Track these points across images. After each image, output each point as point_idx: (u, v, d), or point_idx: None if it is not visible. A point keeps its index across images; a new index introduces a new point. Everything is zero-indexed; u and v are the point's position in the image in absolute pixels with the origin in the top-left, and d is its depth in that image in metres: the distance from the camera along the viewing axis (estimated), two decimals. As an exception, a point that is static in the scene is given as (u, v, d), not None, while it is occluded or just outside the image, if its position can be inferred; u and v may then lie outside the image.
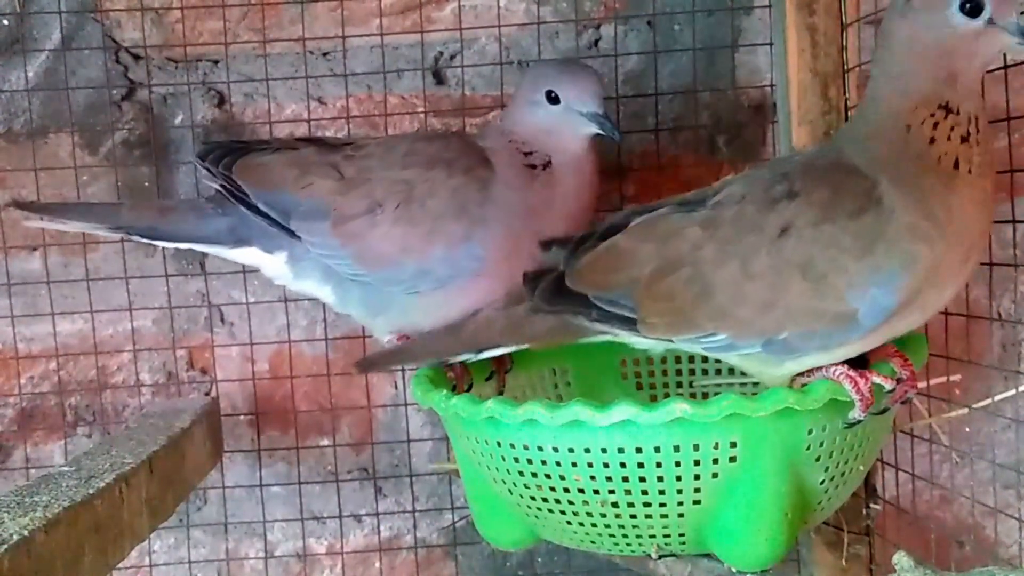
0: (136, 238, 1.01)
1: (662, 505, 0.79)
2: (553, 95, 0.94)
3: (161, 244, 1.03)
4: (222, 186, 0.97)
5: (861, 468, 0.85)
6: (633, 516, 0.80)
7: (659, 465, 0.78)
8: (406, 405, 1.15)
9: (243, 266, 1.12)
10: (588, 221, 0.96)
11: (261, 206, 0.96)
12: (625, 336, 0.84)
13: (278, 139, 1.03)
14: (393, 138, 1.03)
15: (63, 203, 1.08)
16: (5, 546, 0.59)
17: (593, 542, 0.84)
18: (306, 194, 0.95)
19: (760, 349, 0.77)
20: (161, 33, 1.11)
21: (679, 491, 0.78)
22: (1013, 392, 0.94)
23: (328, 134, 1.12)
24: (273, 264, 1.00)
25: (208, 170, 0.98)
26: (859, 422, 0.79)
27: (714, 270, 0.77)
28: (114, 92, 1.12)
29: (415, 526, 1.16)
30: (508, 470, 0.82)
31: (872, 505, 1.04)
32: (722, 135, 1.15)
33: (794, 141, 1.04)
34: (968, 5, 0.73)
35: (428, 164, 0.95)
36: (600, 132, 0.94)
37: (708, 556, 0.84)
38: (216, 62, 1.12)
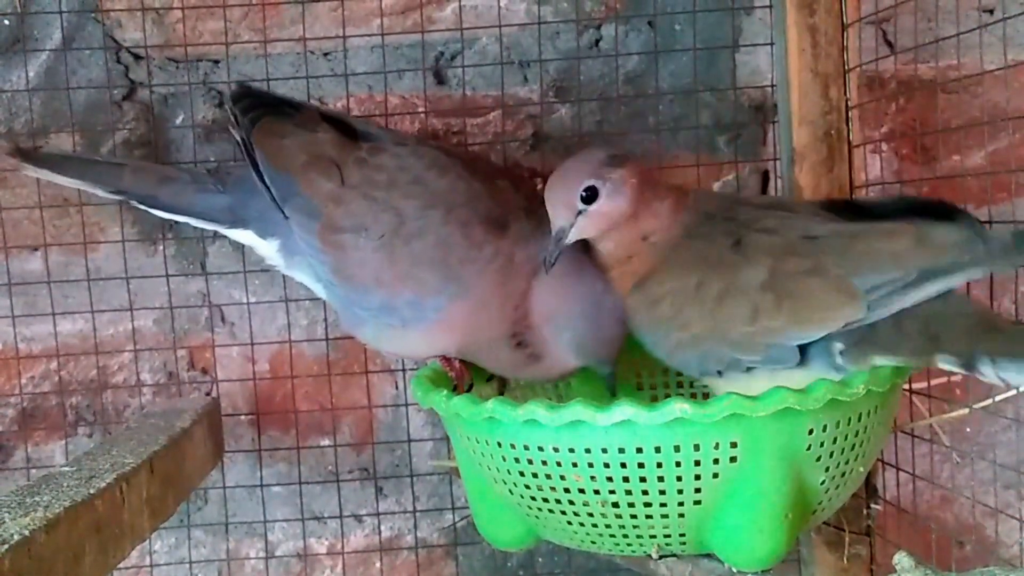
0: (134, 203, 1.00)
1: (663, 505, 0.79)
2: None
3: (158, 213, 1.01)
4: (241, 139, 0.96)
5: (861, 468, 0.85)
6: (633, 516, 0.80)
7: (659, 465, 0.78)
8: (407, 405, 1.15)
9: (244, 266, 1.12)
10: None
11: (266, 178, 0.95)
12: None
13: (310, 108, 1.01)
14: (415, 153, 0.96)
15: (65, 155, 1.05)
16: (6, 546, 0.59)
17: (594, 542, 0.84)
18: (305, 187, 0.93)
19: None
20: (162, 33, 1.11)
21: (679, 491, 0.78)
22: (1014, 392, 0.94)
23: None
24: (266, 249, 0.99)
25: (235, 116, 0.97)
26: None
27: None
28: (115, 92, 1.12)
29: (416, 526, 1.16)
30: (508, 470, 0.82)
31: (873, 505, 1.03)
32: (723, 135, 1.15)
33: (795, 141, 1.04)
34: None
35: (428, 201, 0.91)
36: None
37: (709, 556, 0.84)
38: (217, 62, 1.12)
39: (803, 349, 0.80)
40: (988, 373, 0.75)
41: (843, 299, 0.79)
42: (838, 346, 0.80)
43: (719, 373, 0.84)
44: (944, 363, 0.78)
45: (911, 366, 0.81)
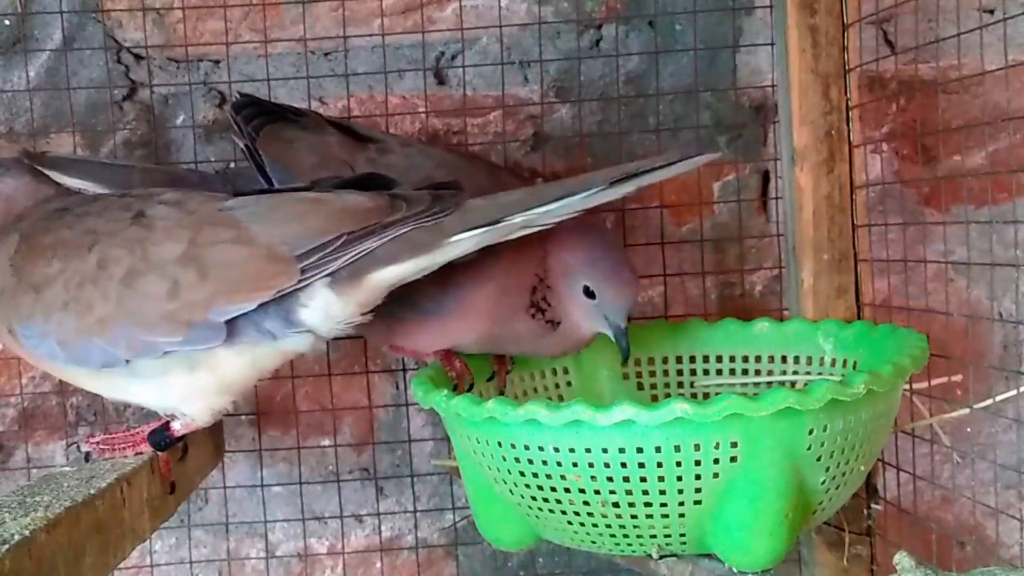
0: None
1: (663, 505, 0.79)
2: (591, 291, 0.90)
3: None
4: (246, 146, 0.97)
5: (862, 468, 0.85)
6: (634, 516, 0.80)
7: (660, 465, 0.78)
8: (407, 405, 1.15)
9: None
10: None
11: (275, 181, 0.95)
12: None
13: (313, 114, 1.02)
14: (423, 152, 0.98)
15: (74, 158, 1.05)
16: (7, 546, 0.59)
17: (594, 542, 0.84)
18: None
19: None
20: (162, 33, 1.11)
21: (680, 491, 0.78)
22: (1014, 392, 0.94)
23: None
24: None
25: (238, 125, 0.97)
26: None
27: None
28: (115, 92, 1.12)
29: (416, 526, 1.16)
30: (509, 470, 0.82)
31: (873, 505, 1.04)
32: (723, 135, 1.15)
33: (795, 141, 1.04)
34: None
35: None
36: (614, 342, 0.92)
37: (709, 556, 0.84)
38: (217, 62, 1.12)
39: (231, 324, 0.78)
40: (517, 220, 0.79)
41: (274, 267, 0.78)
42: (320, 295, 0.79)
43: (127, 362, 0.80)
44: (461, 238, 0.79)
45: (421, 268, 0.82)
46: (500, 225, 0.79)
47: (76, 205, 0.84)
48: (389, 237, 0.79)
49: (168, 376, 0.80)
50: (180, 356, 0.79)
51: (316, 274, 0.78)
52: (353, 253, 0.78)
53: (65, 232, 0.81)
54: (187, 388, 0.81)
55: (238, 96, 1.02)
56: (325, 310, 0.80)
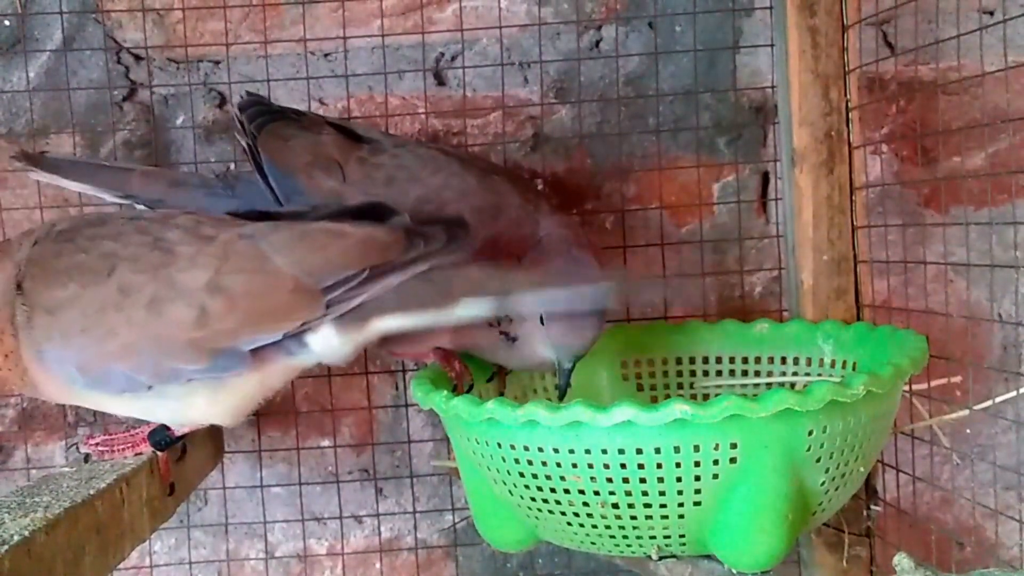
0: (142, 208, 1.00)
1: (662, 506, 0.79)
2: (543, 321, 0.90)
3: None
4: (248, 145, 0.97)
5: (862, 469, 0.85)
6: (633, 517, 0.80)
7: (659, 466, 0.78)
8: (407, 406, 1.15)
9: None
10: None
11: (271, 180, 0.95)
12: None
13: (313, 115, 1.02)
14: (412, 152, 0.98)
15: (71, 160, 1.05)
16: (6, 546, 0.59)
17: (593, 543, 0.84)
18: (308, 185, 0.94)
19: None
20: (162, 34, 1.11)
21: (679, 492, 0.78)
22: (1014, 394, 0.94)
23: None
24: None
25: (241, 123, 0.98)
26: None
27: None
28: (115, 93, 1.12)
29: (415, 527, 1.16)
30: (508, 471, 0.82)
31: (873, 507, 1.04)
32: (723, 136, 1.15)
33: (795, 143, 1.04)
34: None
35: (423, 197, 0.93)
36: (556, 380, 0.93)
37: (708, 557, 0.84)
38: (217, 63, 1.12)
39: (255, 352, 0.80)
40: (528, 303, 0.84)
41: (300, 299, 0.79)
42: (324, 328, 0.81)
43: (149, 388, 0.80)
44: (468, 306, 0.82)
45: (421, 323, 0.84)
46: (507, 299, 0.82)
47: (84, 227, 0.83)
48: (411, 273, 0.80)
49: (191, 398, 0.81)
50: (205, 380, 0.80)
51: (341, 308, 0.80)
52: (378, 288, 0.80)
53: (80, 256, 0.80)
54: (207, 408, 0.82)
55: (245, 94, 1.02)
56: (326, 342, 0.82)
